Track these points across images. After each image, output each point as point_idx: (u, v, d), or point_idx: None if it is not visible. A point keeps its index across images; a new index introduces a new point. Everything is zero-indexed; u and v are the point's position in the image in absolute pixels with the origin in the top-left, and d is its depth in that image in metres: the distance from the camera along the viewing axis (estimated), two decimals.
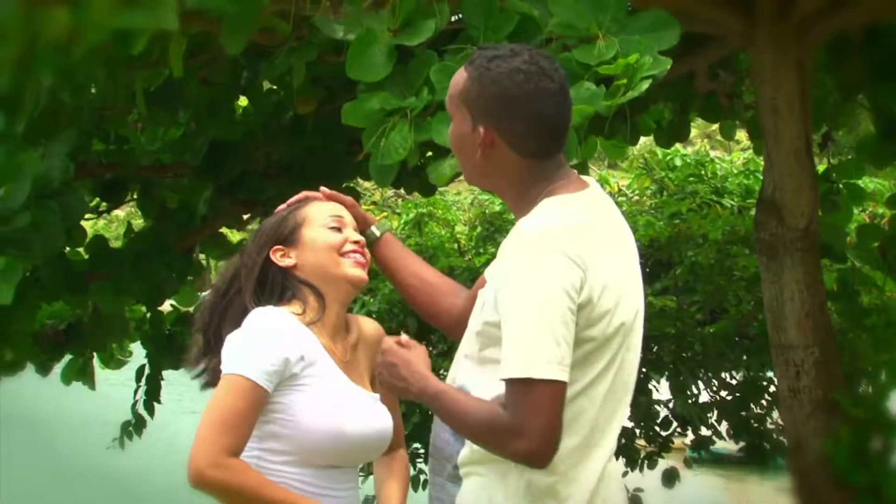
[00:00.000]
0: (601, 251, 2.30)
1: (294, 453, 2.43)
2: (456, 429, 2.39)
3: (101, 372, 6.89)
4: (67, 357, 6.74)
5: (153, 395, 6.90)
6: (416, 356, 2.44)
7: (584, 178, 2.49)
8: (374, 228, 2.82)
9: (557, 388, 2.19)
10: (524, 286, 2.22)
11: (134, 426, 7.11)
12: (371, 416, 2.56)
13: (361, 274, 2.61)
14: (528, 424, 2.18)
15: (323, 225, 2.61)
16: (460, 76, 2.43)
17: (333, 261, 2.58)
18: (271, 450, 2.42)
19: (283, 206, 2.71)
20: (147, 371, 6.90)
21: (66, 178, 4.50)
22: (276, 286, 2.57)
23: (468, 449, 2.38)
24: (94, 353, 6.81)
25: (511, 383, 2.21)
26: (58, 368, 6.56)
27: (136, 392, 6.95)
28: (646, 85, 3.14)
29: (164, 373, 6.81)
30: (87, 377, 6.84)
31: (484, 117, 2.36)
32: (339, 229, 2.62)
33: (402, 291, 2.84)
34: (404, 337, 2.50)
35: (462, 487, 2.39)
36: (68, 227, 4.65)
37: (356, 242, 2.62)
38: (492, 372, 2.28)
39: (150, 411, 7.00)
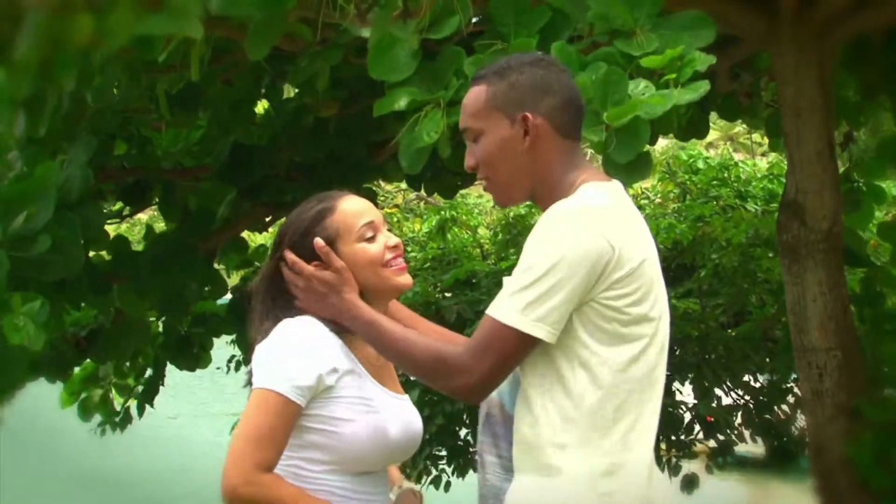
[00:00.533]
0: (635, 237, 2.38)
1: (335, 462, 2.42)
2: (392, 358, 2.47)
3: None
4: (83, 394, 6.78)
5: (149, 397, 6.93)
6: (345, 282, 2.47)
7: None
8: None
9: (524, 342, 2.27)
10: (546, 249, 2.27)
11: (120, 421, 7.13)
12: (406, 420, 2.55)
13: (407, 280, 2.59)
14: (478, 364, 2.27)
15: (358, 237, 2.52)
16: (476, 92, 2.49)
17: (378, 275, 2.53)
18: (311, 459, 2.41)
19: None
20: (150, 373, 6.91)
21: (86, 188, 4.52)
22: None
23: (519, 446, 2.39)
24: (113, 388, 6.84)
25: (491, 322, 2.28)
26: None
27: (132, 388, 6.98)
28: (705, 86, 3.14)
29: (185, 376, 6.82)
30: (107, 411, 6.86)
31: (521, 105, 2.43)
32: (373, 238, 2.54)
33: None
34: (320, 242, 2.49)
35: (515, 480, 2.40)
36: (88, 238, 4.67)
37: (394, 248, 2.57)
38: (533, 355, 2.33)
39: (141, 412, 7.03)
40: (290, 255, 2.48)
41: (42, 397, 6.16)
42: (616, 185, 2.49)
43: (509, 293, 2.28)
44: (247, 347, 2.54)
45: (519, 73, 2.46)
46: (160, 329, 6.53)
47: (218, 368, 7.05)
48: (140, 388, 7.03)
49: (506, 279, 2.45)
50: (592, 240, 2.27)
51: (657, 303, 2.40)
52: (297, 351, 2.38)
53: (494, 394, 2.52)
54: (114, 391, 6.90)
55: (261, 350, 2.41)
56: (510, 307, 2.26)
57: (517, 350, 2.28)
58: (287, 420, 2.33)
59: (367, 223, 2.54)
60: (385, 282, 2.54)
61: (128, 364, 6.73)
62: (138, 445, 7.17)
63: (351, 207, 2.56)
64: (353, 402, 2.42)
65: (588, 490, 2.31)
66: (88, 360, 6.69)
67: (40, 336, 3.92)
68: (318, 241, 2.47)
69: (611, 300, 2.30)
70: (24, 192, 4.17)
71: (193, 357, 6.45)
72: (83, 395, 6.83)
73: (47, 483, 10.39)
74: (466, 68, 3.42)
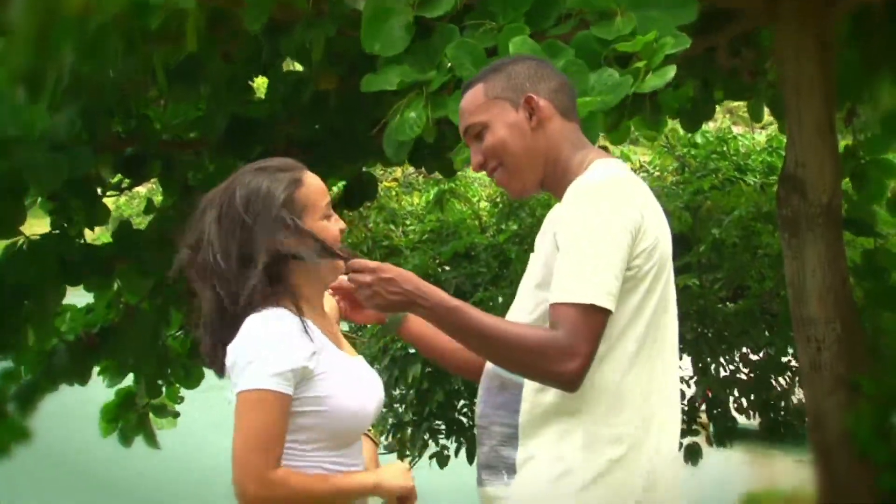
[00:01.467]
0: (649, 202, 2.43)
1: (325, 439, 2.41)
2: (479, 345, 2.40)
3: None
4: (121, 422, 6.78)
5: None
6: (406, 270, 2.41)
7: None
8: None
9: (606, 318, 2.29)
10: (591, 222, 2.31)
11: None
12: (375, 382, 2.57)
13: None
14: (581, 347, 2.25)
15: (322, 215, 2.48)
16: (473, 91, 2.54)
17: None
18: (302, 440, 2.39)
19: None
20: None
21: (72, 133, 4.50)
22: (273, 274, 2.42)
23: (528, 414, 2.41)
24: (150, 412, 6.83)
25: (570, 307, 2.27)
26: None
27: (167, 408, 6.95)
28: (671, 72, 3.16)
29: None
30: (147, 434, 6.85)
31: (522, 90, 2.49)
32: (330, 217, 2.51)
33: (451, 357, 2.78)
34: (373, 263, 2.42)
35: (524, 447, 2.42)
36: (74, 177, 4.67)
37: (343, 231, 2.54)
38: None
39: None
40: (352, 263, 2.41)
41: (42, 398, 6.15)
42: (622, 162, 2.56)
43: (576, 274, 2.28)
44: None
45: (513, 65, 2.54)
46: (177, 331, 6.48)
47: None
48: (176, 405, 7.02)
49: (535, 256, 2.51)
50: (627, 209, 2.33)
51: (669, 282, 2.45)
52: (275, 343, 2.34)
53: (490, 364, 2.53)
54: (152, 415, 6.86)
55: (237, 351, 2.36)
56: (584, 288, 2.27)
57: (603, 326, 2.29)
58: (282, 413, 2.33)
59: (328, 202, 2.52)
60: (333, 262, 2.49)
61: (160, 382, 6.70)
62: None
63: (317, 182, 2.52)
64: (333, 376, 2.41)
65: (597, 456, 2.34)
66: (121, 387, 6.72)
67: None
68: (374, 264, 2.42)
69: (633, 270, 2.34)
70: None
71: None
72: (121, 423, 6.80)
73: (47, 481, 10.35)
74: (450, 52, 3.41)
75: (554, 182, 2.51)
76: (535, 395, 2.40)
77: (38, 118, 4.20)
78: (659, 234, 2.40)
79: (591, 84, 3.18)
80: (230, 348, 2.37)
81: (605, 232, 2.29)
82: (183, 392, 6.97)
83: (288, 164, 2.52)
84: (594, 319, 2.26)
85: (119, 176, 5.95)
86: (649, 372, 2.39)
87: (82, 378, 6.06)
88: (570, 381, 2.28)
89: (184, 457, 10.78)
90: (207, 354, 2.51)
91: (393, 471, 2.51)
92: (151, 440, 6.85)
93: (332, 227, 2.50)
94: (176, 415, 7.02)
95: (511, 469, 2.42)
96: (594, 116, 3.15)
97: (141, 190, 9.63)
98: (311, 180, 2.50)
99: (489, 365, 2.54)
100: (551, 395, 2.37)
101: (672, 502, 2.44)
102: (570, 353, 2.25)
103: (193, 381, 6.66)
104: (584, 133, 2.84)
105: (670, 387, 2.48)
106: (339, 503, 2.42)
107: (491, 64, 2.61)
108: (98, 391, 6.79)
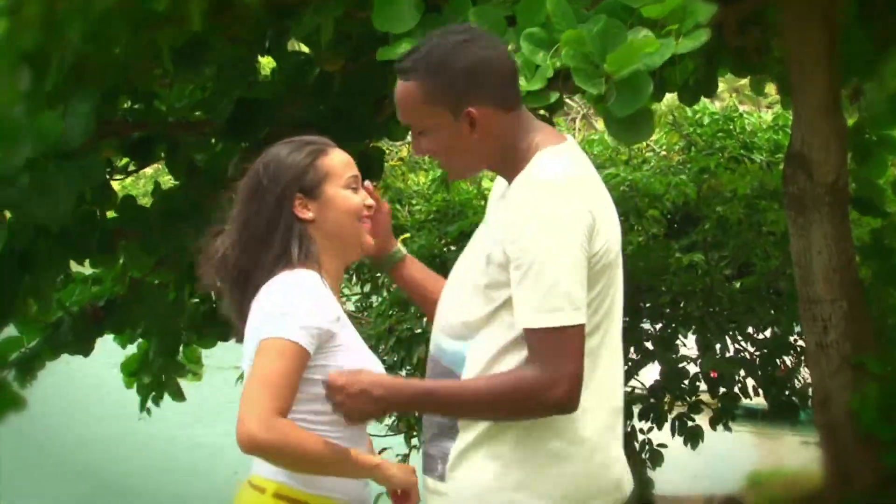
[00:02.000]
0: (599, 198, 2.37)
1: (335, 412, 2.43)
2: (468, 414, 2.35)
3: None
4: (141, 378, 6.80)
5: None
6: (373, 374, 2.38)
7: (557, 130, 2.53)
8: (400, 247, 2.79)
9: (582, 331, 2.24)
10: (545, 234, 2.23)
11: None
12: (379, 366, 2.57)
13: (372, 241, 2.62)
14: (561, 372, 2.21)
15: (345, 184, 2.54)
16: (409, 89, 2.38)
17: (353, 226, 2.55)
18: (315, 411, 2.41)
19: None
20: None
21: (87, 138, 4.49)
22: (294, 239, 2.50)
23: None
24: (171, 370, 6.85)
25: (543, 333, 2.22)
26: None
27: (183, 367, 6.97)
28: (704, 36, 3.14)
29: None
30: (172, 389, 6.89)
31: (461, 98, 2.34)
32: (356, 190, 2.56)
33: (433, 307, 2.71)
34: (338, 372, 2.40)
35: (461, 439, 2.38)
36: (90, 188, 4.64)
37: (369, 207, 2.60)
38: (499, 326, 2.32)
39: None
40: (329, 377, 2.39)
41: (43, 394, 6.15)
42: (571, 144, 2.44)
43: (541, 294, 2.22)
44: None
45: (451, 62, 2.34)
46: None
47: None
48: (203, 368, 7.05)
49: (475, 250, 2.45)
50: (578, 212, 2.26)
51: (617, 275, 2.40)
52: (306, 299, 2.39)
53: (433, 349, 2.50)
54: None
55: (265, 301, 2.41)
56: (552, 309, 2.22)
57: (581, 339, 2.24)
58: (300, 367, 2.35)
59: (353, 175, 2.57)
60: (358, 235, 2.56)
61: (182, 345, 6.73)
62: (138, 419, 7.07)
63: (342, 155, 2.59)
64: (351, 350, 2.45)
65: (533, 452, 2.32)
66: (139, 344, 6.79)
67: None
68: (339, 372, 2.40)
69: (596, 262, 2.30)
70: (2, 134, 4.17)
71: (221, 328, 6.40)
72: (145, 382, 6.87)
73: (49, 480, 10.34)
74: (473, 18, 3.40)
75: (501, 167, 2.45)
76: None
77: (51, 125, 4.18)
78: (609, 231, 2.34)
79: (629, 42, 3.14)
80: (258, 300, 2.42)
81: (560, 242, 2.23)
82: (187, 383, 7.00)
83: (318, 139, 2.61)
84: (570, 338, 2.22)
85: (125, 159, 5.96)
86: (591, 364, 2.31)
87: (84, 350, 6.09)
88: (564, 405, 2.24)
89: (181, 446, 10.80)
90: (228, 314, 2.57)
91: (399, 465, 2.52)
92: (177, 394, 6.92)
93: (356, 197, 2.55)
94: (196, 371, 7.07)
95: (446, 460, 2.39)
96: (639, 77, 3.08)
97: (147, 171, 9.62)
98: (337, 153, 2.59)
99: (432, 348, 2.51)
100: None
101: (612, 495, 2.41)
102: (554, 383, 2.20)
103: (208, 341, 6.68)
104: (630, 95, 2.79)
105: (613, 378, 2.44)
106: (334, 472, 2.42)
107: (424, 47, 2.40)
108: (102, 384, 6.83)
